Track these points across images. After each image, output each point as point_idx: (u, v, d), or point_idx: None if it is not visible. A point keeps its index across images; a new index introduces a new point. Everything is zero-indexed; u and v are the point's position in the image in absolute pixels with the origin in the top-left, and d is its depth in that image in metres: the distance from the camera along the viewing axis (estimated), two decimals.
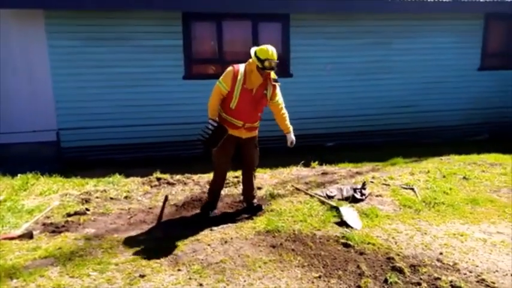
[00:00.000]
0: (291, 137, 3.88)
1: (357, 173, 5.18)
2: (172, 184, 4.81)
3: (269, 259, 3.02)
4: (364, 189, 4.22)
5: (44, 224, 3.68)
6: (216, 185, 3.93)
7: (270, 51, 3.50)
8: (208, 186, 4.73)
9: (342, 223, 3.59)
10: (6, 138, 5.83)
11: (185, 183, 4.86)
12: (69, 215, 3.87)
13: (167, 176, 5.01)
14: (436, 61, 7.08)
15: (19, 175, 4.99)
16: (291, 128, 3.89)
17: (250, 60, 3.60)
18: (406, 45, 6.93)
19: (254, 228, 3.54)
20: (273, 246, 3.21)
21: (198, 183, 4.87)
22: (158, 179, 4.91)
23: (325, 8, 6.33)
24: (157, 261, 3.01)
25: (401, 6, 6.52)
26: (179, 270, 2.89)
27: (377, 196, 4.31)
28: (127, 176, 5.07)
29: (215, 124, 3.52)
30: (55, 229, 3.57)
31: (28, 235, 3.43)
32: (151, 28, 6.01)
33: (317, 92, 6.76)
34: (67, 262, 2.98)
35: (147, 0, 5.65)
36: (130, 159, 6.06)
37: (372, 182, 4.73)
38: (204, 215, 3.87)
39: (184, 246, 3.23)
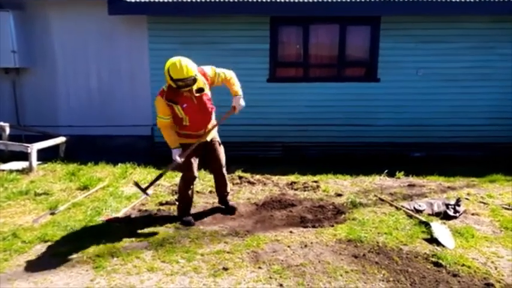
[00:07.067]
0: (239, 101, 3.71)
1: (449, 187, 4.78)
2: (252, 183, 4.94)
3: (351, 269, 2.93)
4: (459, 205, 3.86)
5: (139, 211, 4.06)
6: (185, 193, 3.78)
7: (184, 69, 3.24)
8: (286, 189, 4.79)
9: (432, 240, 3.33)
10: (110, 130, 6.55)
11: (265, 184, 4.96)
12: (161, 204, 4.22)
13: (248, 175, 5.16)
14: None
15: (119, 164, 5.58)
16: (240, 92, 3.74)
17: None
18: (509, 50, 6.21)
19: (335, 236, 3.47)
20: (355, 256, 3.11)
21: (277, 184, 4.93)
22: (240, 178, 5.09)
23: (421, 9, 5.94)
24: (239, 256, 3.12)
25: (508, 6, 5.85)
26: (260, 268, 2.96)
27: (473, 215, 3.92)
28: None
29: (179, 152, 3.56)
30: (149, 216, 3.91)
31: (126, 219, 3.81)
32: (241, 32, 6.24)
33: (406, 98, 6.38)
34: (159, 247, 3.24)
35: (243, 6, 5.88)
36: None
37: (466, 198, 4.33)
38: (185, 222, 3.71)
39: (264, 245, 3.29)
